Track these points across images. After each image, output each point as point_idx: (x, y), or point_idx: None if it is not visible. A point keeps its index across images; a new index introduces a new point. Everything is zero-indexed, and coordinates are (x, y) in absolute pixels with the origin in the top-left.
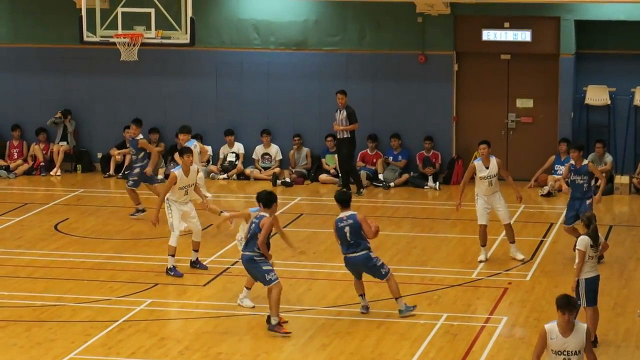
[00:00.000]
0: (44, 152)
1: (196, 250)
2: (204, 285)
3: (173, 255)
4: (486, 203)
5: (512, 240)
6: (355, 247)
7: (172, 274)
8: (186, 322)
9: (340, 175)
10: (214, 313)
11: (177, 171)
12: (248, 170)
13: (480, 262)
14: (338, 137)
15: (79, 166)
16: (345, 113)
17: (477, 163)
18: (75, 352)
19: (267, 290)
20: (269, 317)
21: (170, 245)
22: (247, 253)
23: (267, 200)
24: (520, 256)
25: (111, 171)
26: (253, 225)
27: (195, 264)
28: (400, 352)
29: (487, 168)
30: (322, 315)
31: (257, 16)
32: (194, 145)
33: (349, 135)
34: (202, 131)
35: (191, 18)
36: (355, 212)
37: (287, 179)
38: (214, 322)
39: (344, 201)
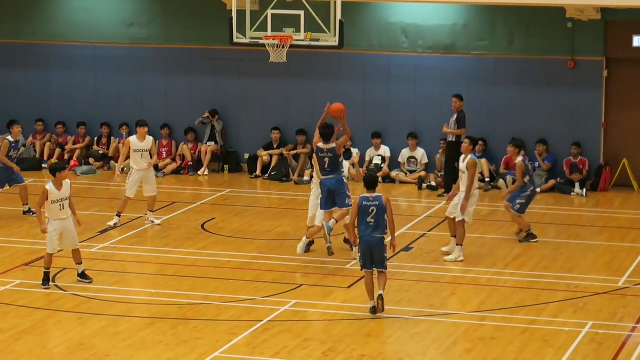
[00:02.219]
0: (192, 151)
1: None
2: (349, 287)
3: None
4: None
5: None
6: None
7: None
8: (330, 323)
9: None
10: (358, 315)
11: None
12: (394, 174)
13: None
14: (448, 139)
15: (226, 166)
16: (455, 117)
17: (132, 138)
18: (220, 351)
19: (381, 273)
20: (381, 295)
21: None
22: (378, 235)
23: (372, 182)
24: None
25: (258, 172)
26: (372, 207)
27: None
28: (545, 359)
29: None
30: (466, 320)
31: (406, 19)
32: None
33: (454, 139)
34: (352, 132)
35: (340, 21)
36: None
37: (433, 183)
38: (358, 324)
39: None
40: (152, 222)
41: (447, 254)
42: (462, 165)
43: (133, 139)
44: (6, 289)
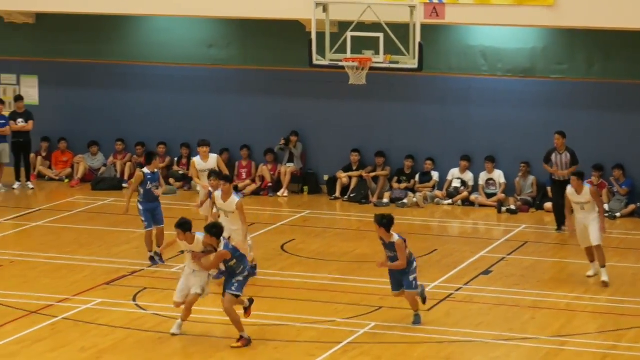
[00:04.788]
0: (271, 173)
1: None
2: (428, 310)
3: None
4: None
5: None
6: None
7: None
8: (409, 346)
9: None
10: (436, 338)
11: None
12: (473, 197)
13: None
14: (557, 179)
15: (305, 188)
16: (569, 155)
17: (196, 159)
18: None
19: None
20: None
21: None
22: None
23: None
24: None
25: (337, 194)
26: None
27: None
28: None
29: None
30: (545, 344)
31: (485, 42)
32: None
33: (567, 178)
34: (429, 155)
35: (420, 43)
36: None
37: (512, 207)
38: (437, 347)
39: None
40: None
41: (591, 277)
42: (580, 197)
43: (197, 159)
44: (87, 307)
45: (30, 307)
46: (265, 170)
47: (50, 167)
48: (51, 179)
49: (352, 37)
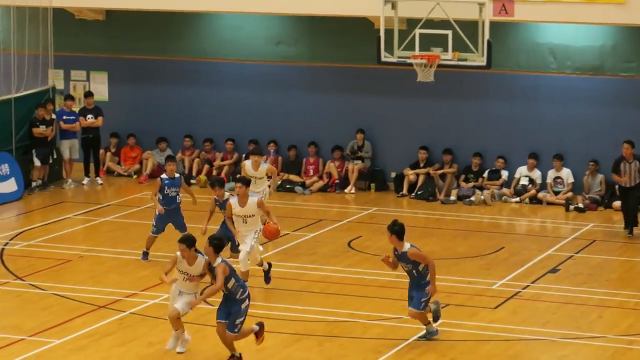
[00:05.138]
0: (338, 169)
1: None
2: (495, 307)
3: None
4: None
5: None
6: None
7: None
8: (476, 344)
9: (630, 217)
10: (504, 336)
11: None
12: (541, 195)
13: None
14: (624, 185)
15: (372, 185)
16: (638, 163)
17: (248, 163)
18: None
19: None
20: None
21: None
22: None
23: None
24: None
25: (404, 191)
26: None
27: None
28: None
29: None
30: (612, 343)
31: (554, 40)
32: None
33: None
34: (499, 153)
35: (488, 41)
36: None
37: (580, 205)
38: (504, 345)
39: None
40: None
41: None
42: None
43: (248, 163)
44: (155, 302)
45: (99, 302)
46: (332, 167)
47: (119, 163)
48: (120, 175)
49: (421, 34)
